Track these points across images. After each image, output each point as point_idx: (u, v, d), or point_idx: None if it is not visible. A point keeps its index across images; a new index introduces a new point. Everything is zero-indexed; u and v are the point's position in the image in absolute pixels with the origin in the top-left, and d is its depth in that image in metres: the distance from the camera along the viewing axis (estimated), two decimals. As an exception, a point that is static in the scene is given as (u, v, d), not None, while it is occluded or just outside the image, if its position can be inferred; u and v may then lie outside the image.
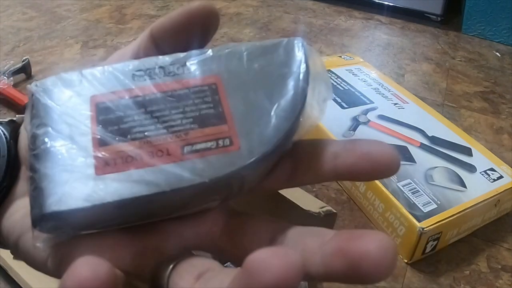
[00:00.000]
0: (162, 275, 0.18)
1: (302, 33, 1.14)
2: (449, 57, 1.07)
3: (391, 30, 1.20)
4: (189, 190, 0.17)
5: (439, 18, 1.25)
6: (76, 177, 0.17)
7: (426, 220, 0.51)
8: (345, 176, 0.18)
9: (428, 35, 1.19)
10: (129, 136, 0.18)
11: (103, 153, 0.17)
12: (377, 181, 0.56)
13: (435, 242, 0.53)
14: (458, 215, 0.53)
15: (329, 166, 0.18)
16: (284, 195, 0.41)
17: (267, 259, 0.13)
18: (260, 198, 0.48)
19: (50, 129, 0.18)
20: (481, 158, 0.62)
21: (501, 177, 0.59)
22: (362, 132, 0.66)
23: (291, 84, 0.19)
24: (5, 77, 0.80)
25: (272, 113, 0.18)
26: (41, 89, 0.19)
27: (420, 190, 0.55)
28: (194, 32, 0.21)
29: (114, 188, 0.17)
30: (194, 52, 0.20)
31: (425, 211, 0.52)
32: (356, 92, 0.76)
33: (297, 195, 0.41)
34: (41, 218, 0.17)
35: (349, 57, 0.90)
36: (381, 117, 0.69)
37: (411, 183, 0.56)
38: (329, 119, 0.68)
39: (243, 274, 0.13)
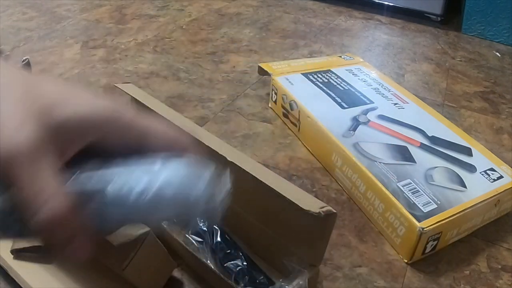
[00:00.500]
0: None
1: (302, 32, 1.14)
2: (449, 57, 1.07)
3: (391, 30, 1.20)
4: None
5: (439, 18, 1.25)
6: None
7: (426, 220, 0.51)
8: None
9: (428, 35, 1.19)
10: None
11: None
12: (377, 181, 0.56)
13: (435, 242, 0.53)
14: (458, 215, 0.53)
15: None
16: (284, 195, 0.41)
17: None
18: (259, 198, 0.48)
19: None
20: (481, 158, 0.62)
21: (501, 177, 0.59)
22: (362, 132, 0.66)
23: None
24: (5, 77, 0.80)
25: None
26: None
27: (420, 190, 0.55)
28: None
29: None
30: None
31: (425, 211, 0.52)
32: (356, 92, 0.76)
33: (297, 195, 0.41)
34: None
35: (349, 57, 0.90)
36: (381, 117, 0.69)
37: (411, 183, 0.56)
38: (329, 119, 0.68)
39: None
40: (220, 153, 0.45)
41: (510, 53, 1.12)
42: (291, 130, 0.75)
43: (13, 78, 0.28)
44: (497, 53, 1.11)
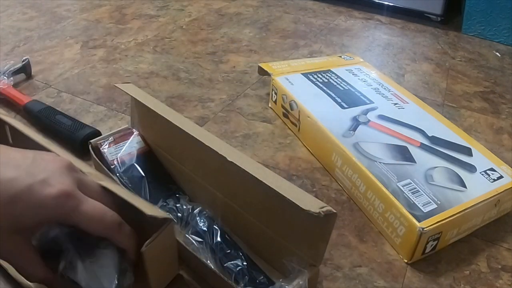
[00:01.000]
0: None
1: (302, 32, 1.14)
2: (449, 57, 1.07)
3: (391, 30, 1.20)
4: None
5: (439, 18, 1.25)
6: None
7: (426, 220, 0.51)
8: None
9: (428, 35, 1.19)
10: None
11: None
12: (377, 181, 0.56)
13: (435, 242, 0.53)
14: (458, 215, 0.53)
15: None
16: (284, 195, 0.41)
17: None
18: (259, 198, 0.48)
19: None
20: (481, 158, 0.62)
21: (501, 177, 0.59)
22: (362, 132, 0.66)
23: None
24: (5, 77, 0.80)
25: None
26: None
27: (420, 190, 0.55)
28: None
29: None
30: None
31: (425, 211, 0.52)
32: (356, 92, 0.76)
33: (297, 195, 0.41)
34: None
35: (349, 57, 0.90)
36: (381, 117, 0.69)
37: (411, 183, 0.56)
38: (329, 119, 0.68)
39: None
40: (220, 153, 0.45)
41: (510, 53, 1.12)
42: (291, 130, 0.75)
43: None
44: (497, 53, 1.11)
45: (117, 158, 0.58)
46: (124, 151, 0.60)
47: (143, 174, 0.57)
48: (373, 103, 0.73)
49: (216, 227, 0.50)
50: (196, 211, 0.51)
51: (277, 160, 0.68)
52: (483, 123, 0.81)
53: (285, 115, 0.76)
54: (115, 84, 0.57)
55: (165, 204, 0.54)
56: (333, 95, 0.74)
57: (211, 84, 0.88)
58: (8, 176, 0.35)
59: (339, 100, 0.73)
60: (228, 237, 0.51)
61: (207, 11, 1.25)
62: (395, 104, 0.74)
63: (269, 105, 0.82)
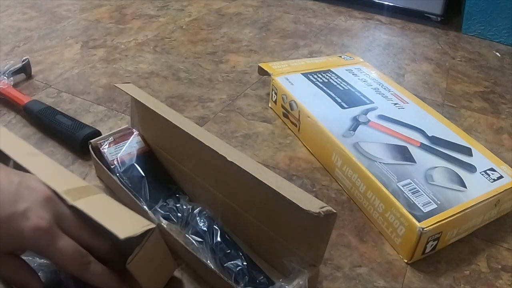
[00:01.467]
0: None
1: (302, 32, 1.14)
2: (449, 57, 1.07)
3: (391, 30, 1.20)
4: None
5: (439, 18, 1.25)
6: None
7: (426, 220, 0.51)
8: None
9: (428, 35, 1.19)
10: None
11: None
12: (377, 181, 0.56)
13: (435, 242, 0.53)
14: (458, 215, 0.53)
15: None
16: (284, 195, 0.41)
17: None
18: (259, 198, 0.48)
19: None
20: (481, 158, 0.62)
21: (501, 177, 0.59)
22: (362, 132, 0.66)
23: None
24: (5, 77, 0.80)
25: None
26: None
27: (420, 190, 0.55)
28: None
29: None
30: None
31: (425, 211, 0.52)
32: (356, 92, 0.76)
33: (297, 195, 0.41)
34: None
35: (349, 57, 0.90)
36: (381, 117, 0.69)
37: (411, 183, 0.56)
38: (329, 119, 0.68)
39: None
40: (220, 153, 0.45)
41: (510, 53, 1.12)
42: (291, 130, 0.75)
43: None
44: (497, 53, 1.11)
45: (117, 158, 0.58)
46: (124, 151, 0.60)
47: (143, 174, 0.57)
48: (373, 103, 0.73)
49: (216, 227, 0.50)
50: (196, 211, 0.51)
51: (277, 160, 0.68)
52: (483, 123, 0.81)
53: (285, 115, 0.76)
54: (115, 84, 0.57)
55: (165, 204, 0.54)
56: (333, 95, 0.74)
57: (211, 84, 0.88)
58: None
59: (339, 100, 0.73)
60: (228, 237, 0.51)
61: (207, 11, 1.25)
62: (395, 104, 0.74)
63: (269, 105, 0.82)
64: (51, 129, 0.69)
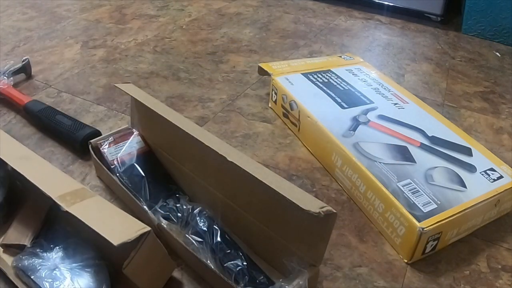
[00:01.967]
0: None
1: (302, 32, 1.14)
2: (449, 57, 1.07)
3: (391, 30, 1.20)
4: None
5: (439, 18, 1.25)
6: None
7: (426, 220, 0.51)
8: None
9: (428, 35, 1.19)
10: None
11: None
12: (377, 181, 0.56)
13: (435, 242, 0.53)
14: (458, 215, 0.53)
15: None
16: (284, 195, 0.41)
17: None
18: (259, 198, 0.48)
19: None
20: (481, 158, 0.62)
21: (501, 177, 0.59)
22: (362, 132, 0.66)
23: None
24: (5, 77, 0.80)
25: None
26: None
27: (420, 190, 0.55)
28: None
29: None
30: None
31: (425, 211, 0.52)
32: (356, 92, 0.76)
33: (297, 195, 0.41)
34: None
35: (349, 57, 0.90)
36: (381, 117, 0.69)
37: (411, 183, 0.56)
38: (329, 119, 0.68)
39: None
40: (220, 153, 0.45)
41: (510, 53, 1.12)
42: (291, 130, 0.75)
43: None
44: (497, 53, 1.11)
45: (117, 158, 0.58)
46: (124, 151, 0.60)
47: (143, 174, 0.57)
48: (373, 103, 0.73)
49: (216, 227, 0.50)
50: (196, 211, 0.51)
51: (277, 160, 0.68)
52: (483, 123, 0.81)
53: (285, 115, 0.76)
54: (115, 84, 0.57)
55: (165, 204, 0.54)
56: (333, 95, 0.74)
57: (211, 84, 0.88)
58: None
59: (339, 100, 0.73)
60: (228, 237, 0.51)
61: (207, 11, 1.25)
62: (395, 104, 0.74)
63: (269, 105, 0.82)
64: (51, 129, 0.69)
